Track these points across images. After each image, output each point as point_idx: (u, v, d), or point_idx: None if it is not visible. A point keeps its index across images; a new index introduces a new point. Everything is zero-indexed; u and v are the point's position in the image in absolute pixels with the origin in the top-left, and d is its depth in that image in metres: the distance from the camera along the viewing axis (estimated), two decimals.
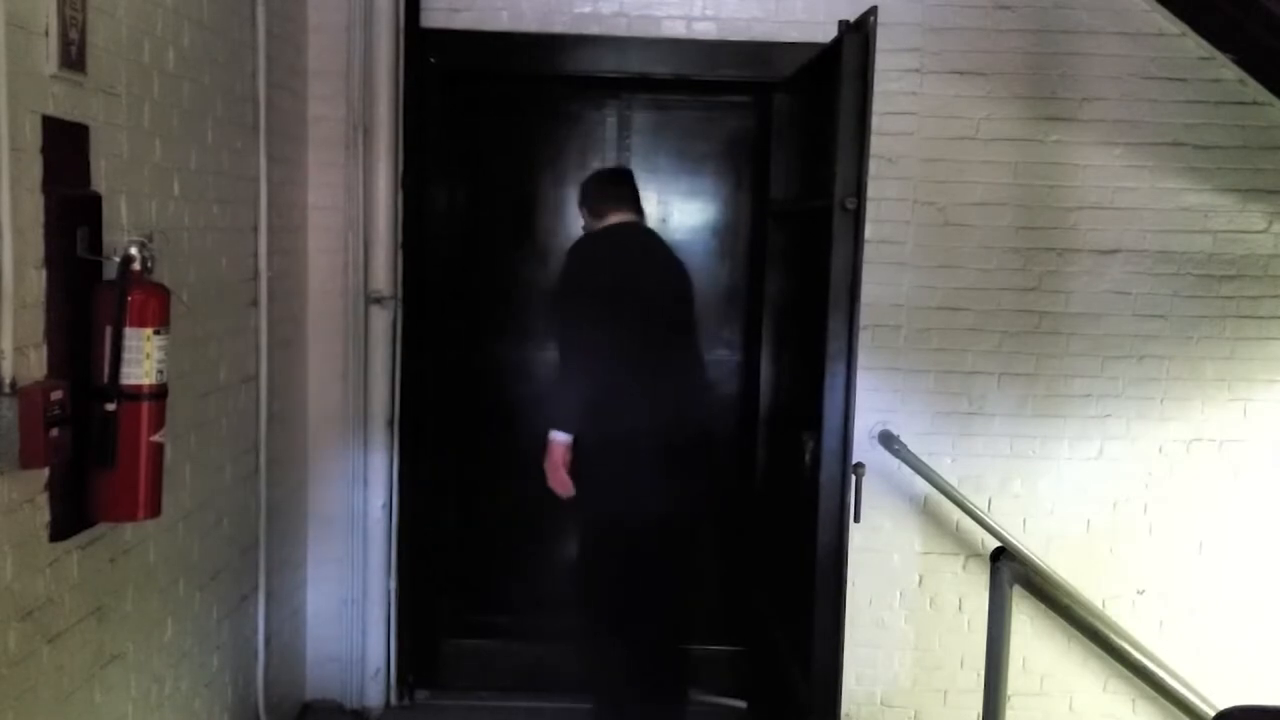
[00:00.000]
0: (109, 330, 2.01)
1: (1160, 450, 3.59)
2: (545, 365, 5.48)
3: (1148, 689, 3.47)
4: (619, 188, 3.40)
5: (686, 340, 3.41)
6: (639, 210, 3.41)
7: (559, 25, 3.47)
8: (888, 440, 3.53)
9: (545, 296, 3.26)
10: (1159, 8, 3.42)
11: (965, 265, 3.53)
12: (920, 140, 3.48)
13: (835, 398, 2.83)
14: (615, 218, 3.34)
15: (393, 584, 3.61)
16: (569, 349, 3.26)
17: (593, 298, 3.19)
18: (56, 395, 1.89)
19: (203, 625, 2.75)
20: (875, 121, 3.01)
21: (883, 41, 2.93)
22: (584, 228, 3.46)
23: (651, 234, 3.47)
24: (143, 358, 2.03)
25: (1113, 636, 3.39)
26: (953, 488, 3.50)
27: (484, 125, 4.16)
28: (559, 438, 3.22)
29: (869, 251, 3.02)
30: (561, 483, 3.24)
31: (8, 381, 1.81)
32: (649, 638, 3.35)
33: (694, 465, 3.34)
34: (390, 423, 3.55)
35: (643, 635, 3.33)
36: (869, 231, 2.91)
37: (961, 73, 3.46)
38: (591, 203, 3.39)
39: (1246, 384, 3.56)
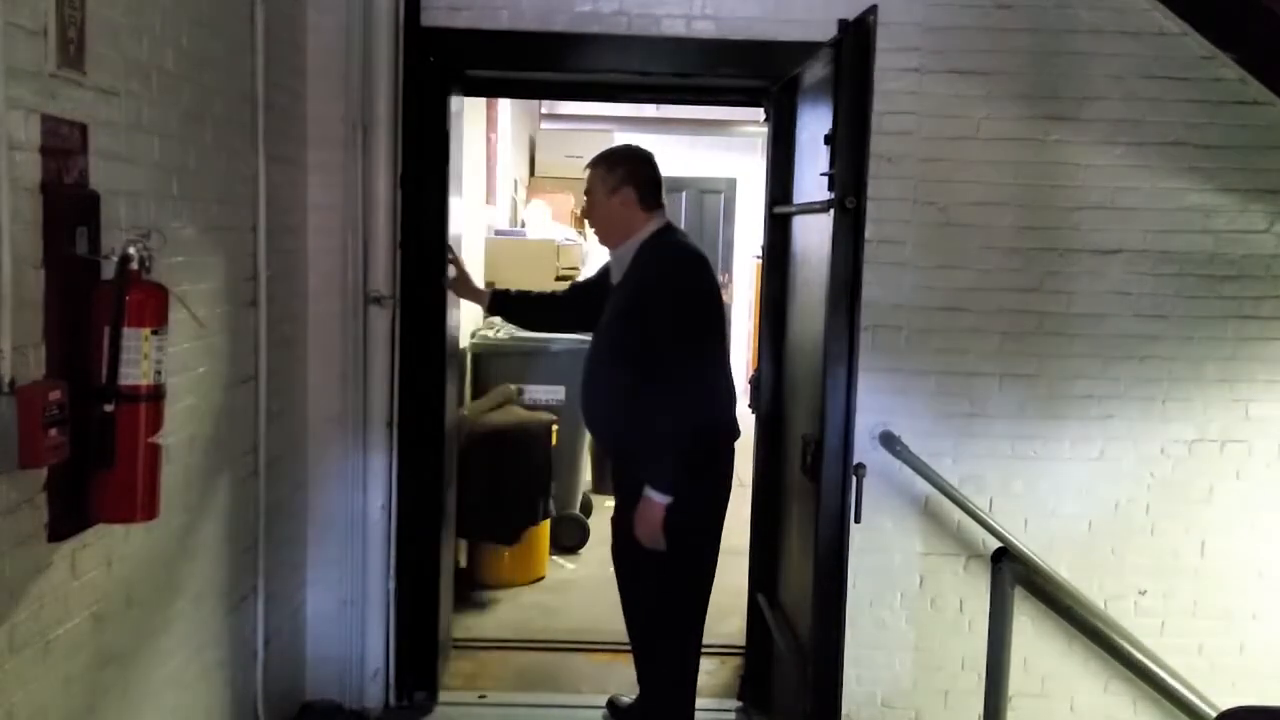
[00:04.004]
0: (107, 330, 2.00)
1: (1162, 451, 3.58)
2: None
3: (1149, 690, 3.46)
4: (660, 177, 3.20)
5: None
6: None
7: (559, 24, 3.46)
8: (889, 441, 3.53)
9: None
10: (1159, 6, 3.41)
11: (966, 265, 3.52)
12: (920, 140, 3.47)
13: (836, 398, 2.82)
14: (661, 215, 3.19)
15: (392, 585, 3.61)
16: (688, 378, 2.98)
17: (711, 318, 3.09)
18: (55, 395, 1.88)
19: (201, 626, 2.75)
20: (875, 121, 3.01)
21: (882, 41, 2.93)
22: (601, 210, 3.18)
23: None
24: (141, 358, 2.02)
25: (1114, 637, 3.38)
26: (954, 488, 3.49)
27: None
28: (660, 499, 2.97)
29: (869, 252, 3.01)
30: (657, 540, 3.02)
31: (6, 381, 1.80)
32: (698, 642, 3.31)
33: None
34: (389, 423, 3.55)
35: (694, 639, 3.29)
36: (869, 231, 2.89)
37: (962, 72, 3.46)
38: (646, 191, 3.14)
39: (1248, 384, 3.55)
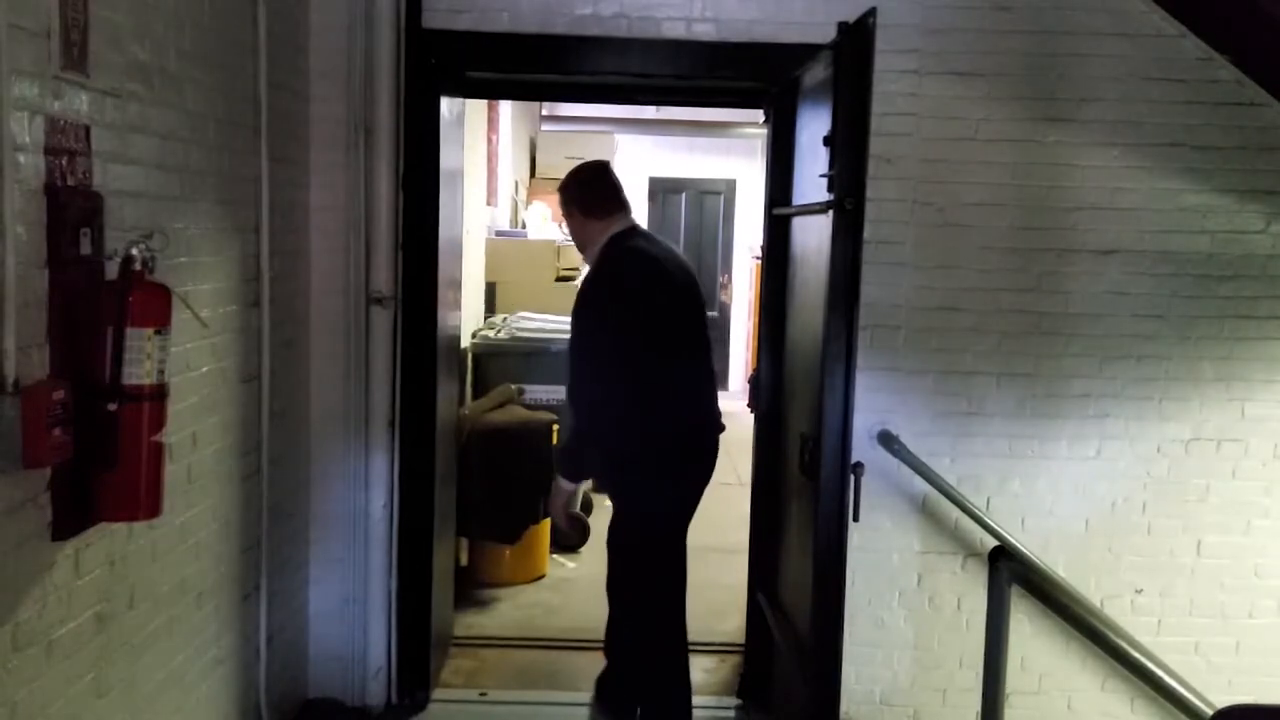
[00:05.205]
0: (110, 330, 2.02)
1: (1158, 450, 3.60)
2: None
3: (1146, 688, 3.46)
4: (609, 185, 3.36)
5: (706, 341, 3.43)
6: (630, 207, 3.40)
7: (559, 27, 3.47)
8: (887, 440, 3.54)
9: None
10: (1157, 9, 3.43)
11: (964, 265, 3.53)
12: (919, 141, 3.48)
13: (834, 397, 2.83)
14: (620, 222, 3.31)
15: (394, 583, 3.62)
16: (600, 371, 3.16)
17: (628, 322, 3.16)
18: (59, 395, 1.90)
19: (204, 625, 2.76)
20: (874, 122, 3.04)
21: (882, 43, 2.95)
22: (568, 231, 3.46)
23: (660, 239, 3.48)
24: (144, 358, 2.04)
25: (1111, 635, 3.38)
26: (952, 487, 3.51)
27: None
28: (565, 485, 3.37)
29: (868, 252, 3.04)
30: (562, 520, 3.49)
31: (11, 381, 1.82)
32: (672, 636, 3.37)
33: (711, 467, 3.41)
34: (391, 423, 3.56)
35: (666, 633, 3.36)
36: (868, 232, 2.91)
37: (960, 74, 3.47)
38: (589, 208, 3.32)
39: (1244, 384, 3.57)
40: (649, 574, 3.35)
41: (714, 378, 3.46)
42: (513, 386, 5.30)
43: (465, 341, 5.19)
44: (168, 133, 2.44)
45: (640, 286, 3.21)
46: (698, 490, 3.35)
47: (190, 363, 2.58)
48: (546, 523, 5.11)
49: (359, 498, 3.58)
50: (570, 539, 4.95)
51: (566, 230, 3.58)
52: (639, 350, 3.15)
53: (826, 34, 2.96)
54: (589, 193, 3.34)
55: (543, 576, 5.15)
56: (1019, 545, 3.42)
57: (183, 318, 2.35)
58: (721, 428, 3.41)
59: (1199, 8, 3.36)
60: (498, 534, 4.82)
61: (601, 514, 5.43)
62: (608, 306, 3.19)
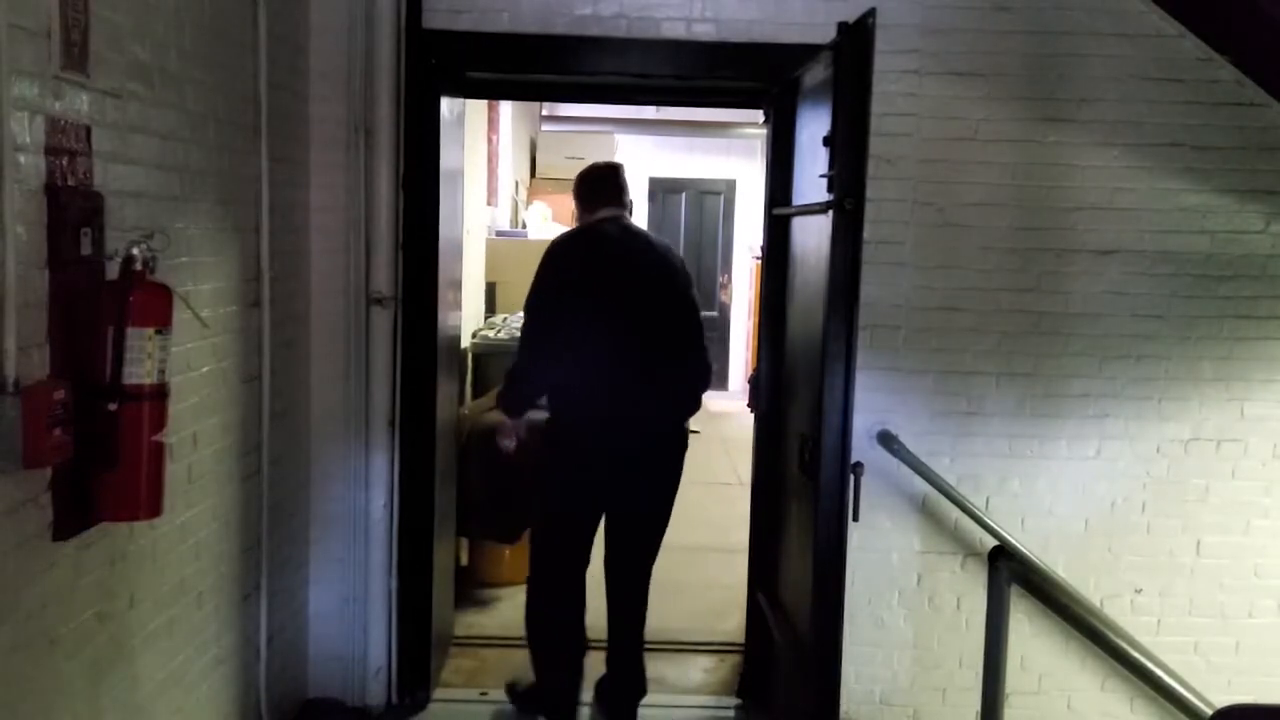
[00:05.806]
0: (111, 330, 2.02)
1: (1158, 450, 3.60)
2: None
3: (1146, 688, 3.47)
4: (609, 183, 3.56)
5: (677, 335, 3.46)
6: (624, 204, 3.57)
7: (559, 27, 3.47)
8: (887, 440, 3.54)
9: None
10: (1156, 9, 3.43)
11: (964, 266, 3.53)
12: (919, 141, 3.48)
13: (834, 397, 2.84)
14: (604, 212, 3.51)
15: (394, 583, 3.62)
16: (530, 338, 3.41)
17: (560, 292, 3.34)
18: (59, 395, 1.90)
19: (204, 625, 2.77)
20: (874, 122, 3.04)
21: (881, 43, 2.95)
22: (576, 220, 3.64)
23: (637, 230, 3.60)
24: (144, 357, 2.04)
25: (1111, 635, 3.39)
26: (951, 487, 3.51)
27: None
28: (505, 420, 3.63)
29: (868, 252, 3.04)
30: (503, 445, 3.64)
31: (11, 381, 1.82)
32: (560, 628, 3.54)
33: (664, 465, 3.48)
34: (392, 423, 3.56)
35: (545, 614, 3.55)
36: (868, 232, 2.91)
37: (960, 74, 3.47)
38: (583, 199, 3.57)
39: (1244, 384, 3.57)
40: (535, 548, 3.58)
41: (657, 378, 3.39)
42: None
43: (465, 341, 5.19)
44: (168, 133, 2.44)
45: (568, 254, 3.42)
46: (582, 481, 3.46)
47: (191, 363, 2.58)
48: None
49: (359, 497, 3.58)
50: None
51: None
52: (555, 312, 3.34)
53: (826, 34, 2.95)
54: (587, 187, 3.60)
55: None
56: (1019, 545, 3.42)
57: (183, 318, 2.35)
58: (647, 431, 3.42)
59: (1199, 8, 3.36)
60: (498, 534, 4.81)
61: None
62: (542, 270, 3.40)
